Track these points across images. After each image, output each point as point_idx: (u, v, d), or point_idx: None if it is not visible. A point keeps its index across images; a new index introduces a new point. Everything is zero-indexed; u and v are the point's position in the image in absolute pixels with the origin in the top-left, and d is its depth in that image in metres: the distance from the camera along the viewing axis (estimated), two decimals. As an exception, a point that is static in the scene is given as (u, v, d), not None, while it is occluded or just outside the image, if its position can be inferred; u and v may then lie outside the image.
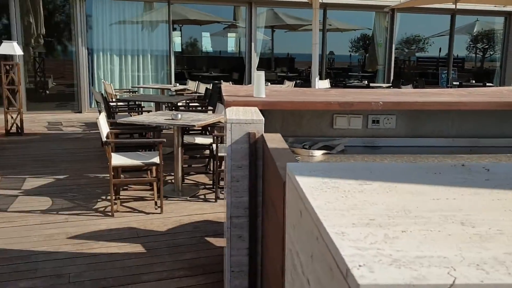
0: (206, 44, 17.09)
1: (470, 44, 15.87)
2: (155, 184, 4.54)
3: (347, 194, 1.11)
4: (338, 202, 1.05)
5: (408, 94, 3.24)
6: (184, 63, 15.52)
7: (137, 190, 4.98)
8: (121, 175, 4.68)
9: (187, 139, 5.43)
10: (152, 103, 8.16)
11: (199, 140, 5.49)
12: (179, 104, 7.70)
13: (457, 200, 1.09)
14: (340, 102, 2.66)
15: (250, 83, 10.23)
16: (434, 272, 0.73)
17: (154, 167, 4.59)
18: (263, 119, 2.26)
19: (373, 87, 9.92)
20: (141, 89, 10.02)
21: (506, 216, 0.99)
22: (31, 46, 11.29)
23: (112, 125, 5.04)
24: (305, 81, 11.14)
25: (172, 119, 4.69)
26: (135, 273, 3.16)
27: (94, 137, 8.03)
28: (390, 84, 11.38)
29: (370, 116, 2.82)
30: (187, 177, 5.49)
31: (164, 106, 7.28)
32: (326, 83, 9.56)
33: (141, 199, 4.71)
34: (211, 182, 5.36)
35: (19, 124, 8.64)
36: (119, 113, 7.06)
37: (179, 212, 4.34)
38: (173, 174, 5.56)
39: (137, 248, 3.55)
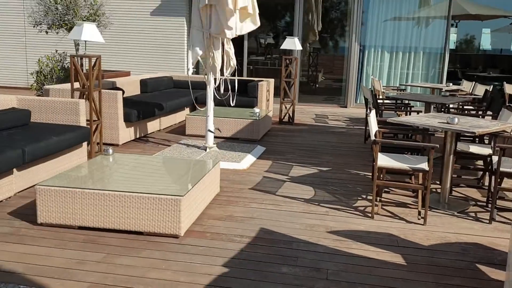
0: (485, 41, 15.37)
1: None
2: (420, 192, 4.19)
3: None
4: None
5: None
6: (456, 62, 14.32)
7: (398, 195, 4.71)
8: (385, 177, 4.48)
9: (461, 146, 4.86)
10: (420, 103, 7.69)
11: (475, 149, 4.85)
12: (451, 106, 7.05)
13: None
14: None
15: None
16: None
17: (420, 173, 4.24)
18: None
19: None
20: (408, 87, 9.61)
21: None
22: (308, 42, 12.08)
23: (380, 123, 4.88)
24: None
25: (448, 123, 4.24)
26: (392, 286, 2.93)
27: (357, 132, 8.07)
28: None
29: None
30: (455, 189, 4.94)
31: (432, 107, 6.76)
32: None
33: (403, 205, 4.43)
34: (484, 199, 4.69)
35: (291, 114, 9.35)
36: (385, 111, 6.88)
37: (444, 228, 3.90)
38: (438, 182, 5.08)
39: (396, 258, 3.31)
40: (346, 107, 11.29)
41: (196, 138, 7.09)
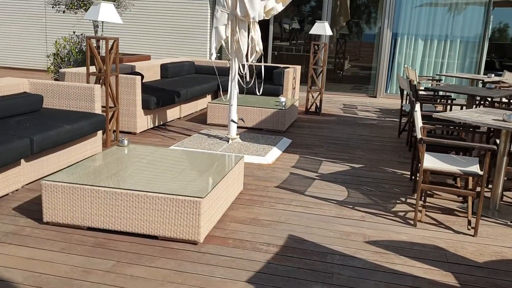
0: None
1: None
2: (470, 198, 3.71)
3: None
4: None
5: None
6: (492, 51, 13.56)
7: (442, 199, 4.24)
8: (429, 178, 4.01)
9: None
10: (462, 95, 7.13)
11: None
12: (494, 100, 6.49)
13: None
14: None
15: None
16: None
17: (471, 177, 3.75)
18: None
19: None
20: (444, 77, 9.02)
21: None
22: (336, 28, 11.51)
23: (423, 118, 4.39)
24: None
25: (504, 120, 3.73)
26: (446, 314, 2.49)
27: (389, 125, 7.56)
28: None
29: None
30: (506, 194, 4.44)
31: (475, 100, 6.21)
32: None
33: (448, 210, 3.96)
34: (539, 205, 4.18)
35: (318, 104, 8.86)
36: (422, 104, 6.35)
37: (498, 240, 3.43)
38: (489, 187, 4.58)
39: (447, 277, 2.86)
40: (375, 97, 10.73)
41: (218, 127, 6.69)
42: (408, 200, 4.15)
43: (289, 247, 3.15)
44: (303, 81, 10.89)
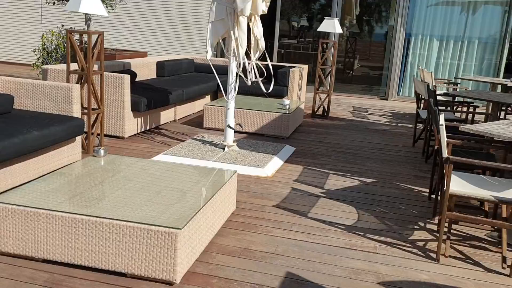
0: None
1: None
2: (504, 230, 3.11)
3: None
4: None
5: None
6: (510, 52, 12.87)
7: (467, 226, 3.64)
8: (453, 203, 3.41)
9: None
10: (485, 102, 6.51)
11: None
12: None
13: None
14: None
15: None
16: None
17: (509, 205, 3.15)
18: None
19: None
20: (463, 81, 8.39)
21: None
22: (345, 25, 10.91)
23: (447, 131, 3.79)
24: None
25: (546, 136, 3.13)
26: None
27: (403, 131, 6.95)
28: None
29: None
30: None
31: (499, 107, 5.59)
32: None
33: (476, 240, 3.36)
34: None
35: (325, 107, 8.27)
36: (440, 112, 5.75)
37: (540, 283, 2.83)
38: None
39: (483, 338, 2.27)
40: (387, 99, 10.12)
41: (215, 132, 6.12)
42: (428, 226, 3.56)
43: (285, 290, 2.58)
44: (311, 80, 10.30)
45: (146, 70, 7.16)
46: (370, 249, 3.13)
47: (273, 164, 4.79)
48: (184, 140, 5.61)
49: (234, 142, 5.26)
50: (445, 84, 7.94)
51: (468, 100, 8.68)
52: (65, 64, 5.55)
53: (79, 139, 4.40)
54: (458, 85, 7.94)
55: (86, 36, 5.36)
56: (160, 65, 7.45)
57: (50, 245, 2.62)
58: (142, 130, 5.78)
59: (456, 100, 6.25)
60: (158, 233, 2.48)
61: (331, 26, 7.23)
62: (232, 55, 4.85)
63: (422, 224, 3.60)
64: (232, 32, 4.69)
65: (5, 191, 3.62)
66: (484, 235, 3.47)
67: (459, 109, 7.21)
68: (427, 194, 4.28)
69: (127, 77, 5.31)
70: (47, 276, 2.55)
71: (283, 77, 7.41)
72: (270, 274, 2.73)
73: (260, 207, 3.72)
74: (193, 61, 8.36)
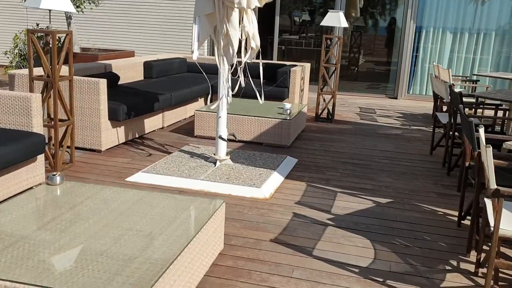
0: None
1: None
2: None
3: None
4: None
5: None
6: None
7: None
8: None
9: None
10: (506, 103, 5.78)
11: None
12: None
13: None
14: None
15: None
16: None
17: None
18: None
19: None
20: (480, 77, 7.67)
21: None
22: (350, 19, 10.18)
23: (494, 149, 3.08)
24: None
25: None
26: None
27: (417, 136, 6.24)
28: None
29: None
30: None
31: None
32: None
33: (524, 286, 2.67)
34: None
35: (330, 109, 7.58)
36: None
37: None
38: None
39: None
40: (396, 98, 9.39)
41: (207, 141, 5.44)
42: (462, 265, 2.87)
43: None
44: (314, 79, 9.59)
45: (131, 72, 6.48)
46: (393, 304, 2.44)
47: (272, 182, 4.10)
48: (171, 152, 4.93)
49: (227, 154, 4.58)
50: (463, 82, 7.22)
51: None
52: (36, 68, 4.85)
53: (41, 157, 3.73)
54: (477, 82, 7.21)
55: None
56: (148, 66, 6.77)
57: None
58: (123, 141, 5.11)
59: (478, 101, 5.54)
60: (106, 307, 1.80)
61: (336, 19, 6.52)
62: (222, 56, 4.15)
63: (454, 263, 2.91)
64: (221, 28, 4.00)
65: None
66: (533, 277, 2.78)
67: (485, 112, 6.49)
68: (456, 219, 3.58)
69: (103, 82, 4.62)
70: None
71: (283, 77, 6.70)
72: None
73: (255, 243, 3.03)
74: (185, 60, 7.67)
